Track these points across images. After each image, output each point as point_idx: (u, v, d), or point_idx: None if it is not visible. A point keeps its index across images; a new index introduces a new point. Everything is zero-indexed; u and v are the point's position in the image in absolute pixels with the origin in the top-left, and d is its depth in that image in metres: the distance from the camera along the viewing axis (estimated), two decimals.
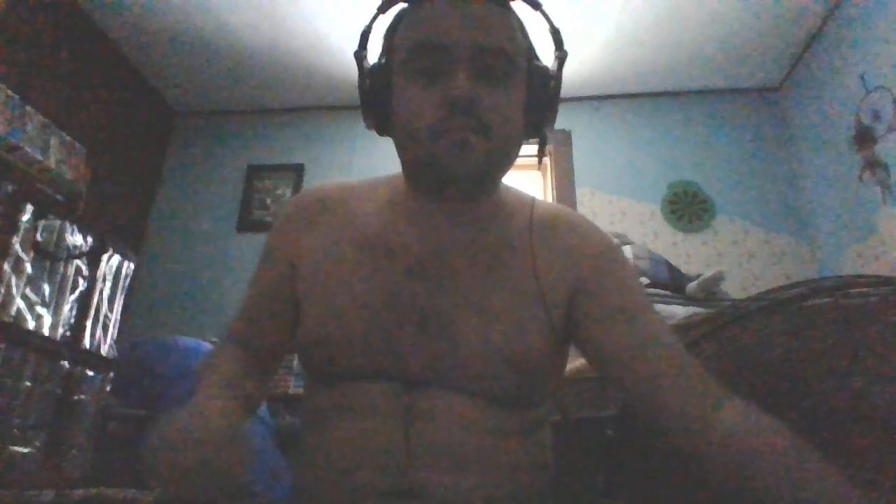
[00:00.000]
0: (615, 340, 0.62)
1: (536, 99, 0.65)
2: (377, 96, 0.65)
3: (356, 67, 0.68)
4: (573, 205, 2.74)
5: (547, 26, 0.68)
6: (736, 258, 2.60)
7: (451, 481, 0.58)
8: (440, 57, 0.60)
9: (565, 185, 2.78)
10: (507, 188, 0.73)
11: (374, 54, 0.68)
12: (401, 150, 0.66)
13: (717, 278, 1.58)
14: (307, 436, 0.67)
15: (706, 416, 0.57)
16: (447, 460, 0.59)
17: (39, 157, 1.55)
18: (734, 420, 0.56)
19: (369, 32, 0.67)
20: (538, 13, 0.67)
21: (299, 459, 0.68)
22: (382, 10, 0.66)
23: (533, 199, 0.73)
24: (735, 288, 2.24)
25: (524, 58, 0.65)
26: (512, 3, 0.65)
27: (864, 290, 0.68)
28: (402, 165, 0.68)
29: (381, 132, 0.67)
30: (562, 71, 0.67)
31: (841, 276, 0.73)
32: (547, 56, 0.68)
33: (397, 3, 0.66)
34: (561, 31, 0.67)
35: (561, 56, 0.67)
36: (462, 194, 0.64)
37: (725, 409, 0.57)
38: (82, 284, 1.62)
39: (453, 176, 0.60)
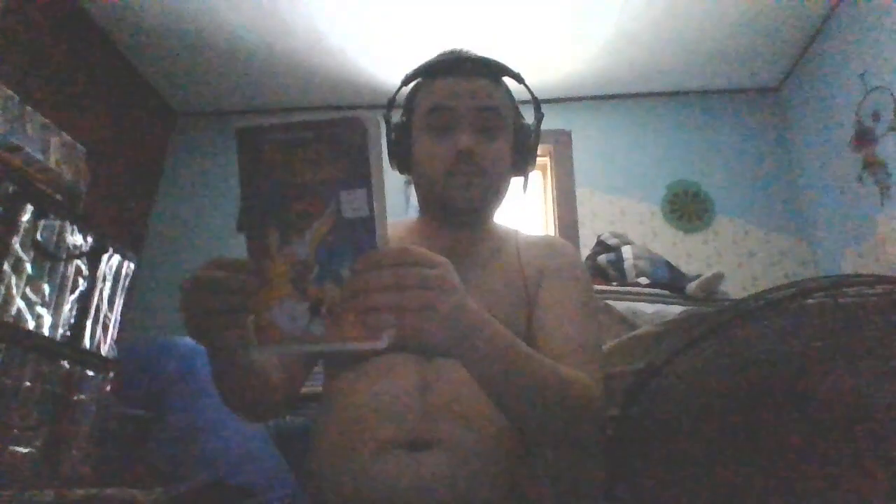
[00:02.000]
0: (538, 317, 0.80)
1: (520, 147, 0.89)
2: (400, 145, 0.89)
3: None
4: (573, 205, 2.74)
5: (530, 93, 0.91)
6: (736, 258, 2.60)
7: (462, 433, 0.67)
8: (450, 117, 0.82)
9: (565, 185, 2.77)
10: (498, 224, 0.94)
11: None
12: (419, 187, 0.89)
13: (717, 278, 1.58)
14: (327, 405, 0.77)
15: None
16: (458, 415, 0.68)
17: (39, 157, 1.55)
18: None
19: (394, 100, 0.90)
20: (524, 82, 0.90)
21: (318, 425, 0.77)
22: (405, 83, 0.90)
23: (518, 230, 0.95)
24: (735, 288, 2.24)
25: (511, 117, 0.88)
26: (503, 78, 0.89)
27: (863, 289, 0.68)
28: (419, 198, 0.91)
29: (402, 171, 0.91)
30: (539, 127, 0.91)
31: (839, 276, 0.73)
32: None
33: (417, 79, 0.90)
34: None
35: (539, 117, 0.91)
36: (465, 220, 0.87)
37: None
38: (82, 284, 1.62)
39: (460, 207, 0.83)
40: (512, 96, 0.91)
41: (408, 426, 0.67)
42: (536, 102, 0.91)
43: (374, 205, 0.48)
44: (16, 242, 1.40)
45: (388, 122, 0.90)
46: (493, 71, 0.87)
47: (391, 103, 0.90)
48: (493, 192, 0.86)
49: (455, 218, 0.86)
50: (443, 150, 0.81)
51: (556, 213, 2.75)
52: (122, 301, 1.78)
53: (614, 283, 1.68)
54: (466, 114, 0.82)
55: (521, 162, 0.90)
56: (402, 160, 0.89)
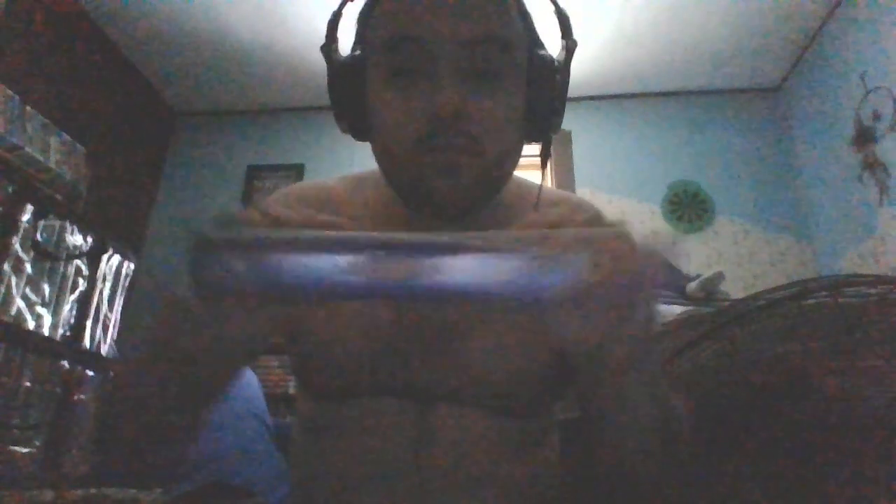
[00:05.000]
0: None
1: (539, 96, 0.54)
2: (351, 96, 0.55)
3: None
4: None
5: (552, 9, 0.56)
6: (736, 258, 2.60)
7: (463, 502, 0.56)
8: (421, 54, 0.50)
9: (565, 185, 2.78)
10: (511, 180, 0.63)
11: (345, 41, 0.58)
12: (380, 161, 0.57)
13: (717, 278, 1.58)
14: (306, 449, 0.63)
15: None
16: (458, 481, 0.56)
17: (39, 157, 1.55)
18: None
19: (338, 21, 0.57)
20: None
21: (298, 472, 0.66)
22: None
23: (538, 191, 0.65)
24: (735, 288, 2.23)
25: (524, 48, 0.54)
26: None
27: (863, 289, 0.68)
28: (383, 173, 0.58)
29: (358, 136, 0.57)
30: (570, 63, 0.55)
31: (839, 276, 0.73)
32: (553, 47, 0.58)
33: None
34: (560, 32, 0.59)
35: (570, 46, 0.54)
36: (453, 216, 0.55)
37: None
38: (82, 284, 1.62)
39: (441, 201, 0.52)
40: (526, 14, 0.56)
41: (402, 492, 0.55)
42: (565, 24, 0.55)
43: None
44: (16, 242, 1.40)
45: (330, 60, 0.55)
46: None
47: (333, 29, 0.56)
48: (494, 177, 0.54)
49: (433, 213, 0.55)
50: (412, 110, 0.50)
51: None
52: (122, 301, 1.78)
53: None
54: (448, 47, 0.50)
55: (541, 120, 0.55)
56: (356, 118, 0.56)
